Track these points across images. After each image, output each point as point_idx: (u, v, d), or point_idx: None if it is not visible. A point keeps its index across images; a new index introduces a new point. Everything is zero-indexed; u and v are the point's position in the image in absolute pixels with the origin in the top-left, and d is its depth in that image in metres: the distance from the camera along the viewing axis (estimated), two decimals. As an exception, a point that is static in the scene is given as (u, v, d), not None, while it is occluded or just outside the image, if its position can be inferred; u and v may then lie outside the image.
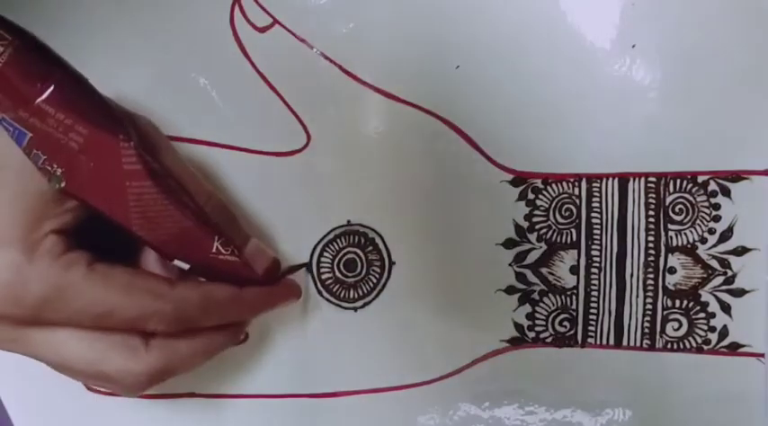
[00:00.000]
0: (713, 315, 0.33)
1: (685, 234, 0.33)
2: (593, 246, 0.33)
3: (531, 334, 0.34)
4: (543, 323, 0.34)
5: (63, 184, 0.25)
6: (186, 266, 0.28)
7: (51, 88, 0.24)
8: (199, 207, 0.28)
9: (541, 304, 0.34)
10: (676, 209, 0.33)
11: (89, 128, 0.25)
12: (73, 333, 0.26)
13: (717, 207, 0.32)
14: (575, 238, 0.33)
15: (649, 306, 0.33)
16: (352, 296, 0.34)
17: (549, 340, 0.34)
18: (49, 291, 0.25)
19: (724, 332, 0.33)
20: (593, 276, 0.33)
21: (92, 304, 0.25)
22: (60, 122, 0.24)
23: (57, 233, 0.25)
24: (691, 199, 0.32)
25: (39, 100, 0.24)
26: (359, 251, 0.34)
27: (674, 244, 0.33)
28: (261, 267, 0.30)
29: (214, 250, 0.28)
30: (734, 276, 0.33)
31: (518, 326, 0.34)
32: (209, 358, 0.29)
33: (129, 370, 0.27)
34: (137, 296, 0.26)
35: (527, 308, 0.34)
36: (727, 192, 0.32)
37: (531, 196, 0.33)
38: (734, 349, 0.33)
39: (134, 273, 0.27)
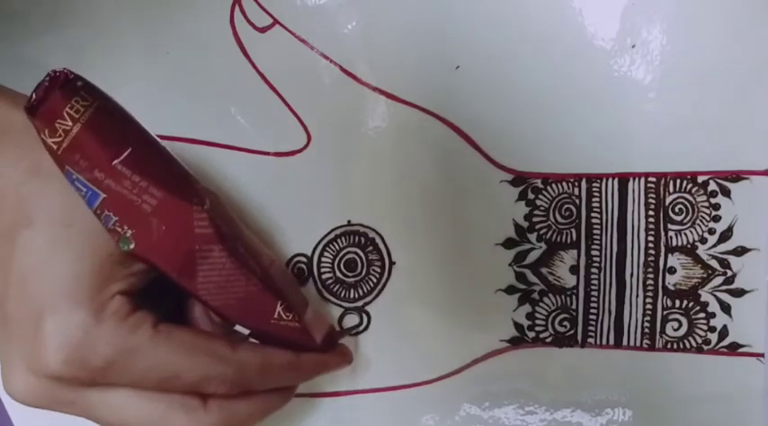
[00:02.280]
0: (713, 315, 0.33)
1: (685, 234, 0.33)
2: (593, 246, 0.33)
3: (531, 334, 0.34)
4: (543, 323, 0.34)
5: (132, 246, 0.25)
6: (247, 331, 0.28)
7: (129, 150, 0.24)
8: (264, 271, 0.28)
9: (541, 304, 0.34)
10: (676, 209, 0.33)
11: (163, 191, 0.25)
12: (132, 394, 0.26)
13: (717, 207, 0.32)
14: (575, 238, 0.33)
15: (649, 306, 0.33)
16: (352, 296, 0.34)
17: (549, 340, 0.34)
18: (116, 354, 0.24)
19: (724, 332, 0.33)
20: (593, 276, 0.33)
21: (156, 367, 0.25)
22: (135, 184, 0.24)
23: (123, 294, 0.25)
24: (691, 199, 0.32)
25: (116, 161, 0.24)
26: (359, 251, 0.34)
27: (674, 244, 0.33)
28: (320, 335, 0.30)
29: (276, 315, 0.28)
30: (734, 276, 0.33)
31: (518, 326, 0.34)
32: (264, 418, 0.29)
33: None
34: (200, 359, 0.26)
35: (527, 308, 0.34)
36: (727, 192, 0.32)
37: (531, 196, 0.33)
38: (734, 349, 0.33)
39: (197, 335, 0.27)
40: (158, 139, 0.26)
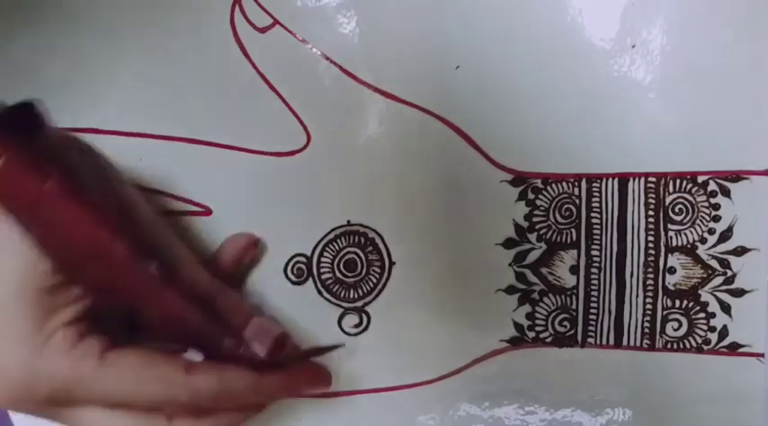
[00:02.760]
0: (713, 315, 0.33)
1: (685, 234, 0.33)
2: (593, 246, 0.33)
3: (531, 334, 0.34)
4: (543, 322, 0.34)
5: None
6: (200, 357, 0.28)
7: (50, 183, 0.24)
8: (211, 300, 0.28)
9: (541, 304, 0.34)
10: (676, 209, 0.33)
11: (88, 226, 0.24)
12: (97, 411, 0.26)
13: (717, 207, 0.32)
14: (575, 238, 0.33)
15: (649, 306, 0.33)
16: (352, 296, 0.34)
17: (549, 340, 0.34)
18: (61, 385, 0.25)
19: (724, 333, 0.33)
20: (593, 276, 0.33)
21: (104, 396, 0.25)
22: (59, 218, 0.24)
23: (70, 324, 0.25)
24: (691, 199, 0.32)
25: (40, 194, 0.24)
26: (359, 251, 0.34)
27: (674, 244, 0.33)
28: (263, 349, 0.29)
29: (225, 346, 0.28)
30: (734, 276, 0.33)
31: (518, 326, 0.34)
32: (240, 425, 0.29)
33: None
34: (149, 386, 0.26)
35: (527, 308, 0.34)
36: (726, 192, 0.32)
37: (531, 196, 0.33)
38: (734, 349, 0.33)
39: (147, 361, 0.26)
40: (80, 173, 0.26)
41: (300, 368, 0.31)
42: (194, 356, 0.28)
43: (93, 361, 0.25)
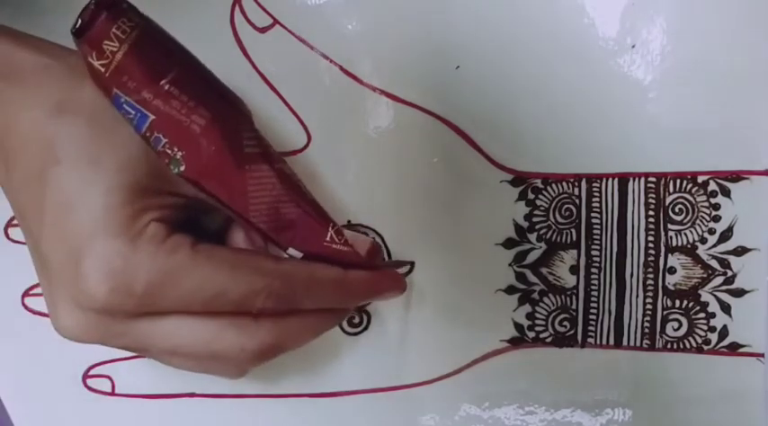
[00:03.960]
0: (713, 315, 0.33)
1: (685, 234, 0.33)
2: (593, 246, 0.33)
3: (531, 334, 0.34)
4: (543, 323, 0.34)
5: (182, 168, 0.24)
6: (300, 255, 0.27)
7: (176, 70, 0.24)
8: (312, 195, 0.27)
9: (541, 304, 0.34)
10: (676, 209, 0.33)
11: (212, 111, 0.24)
12: (182, 319, 0.25)
13: (717, 207, 0.32)
14: (575, 238, 0.33)
15: (649, 306, 0.33)
16: (352, 296, 0.34)
17: (549, 340, 0.34)
18: (158, 276, 0.24)
19: (724, 333, 0.33)
20: (593, 276, 0.33)
21: (201, 286, 0.25)
22: (184, 104, 0.24)
23: (158, 221, 0.25)
24: (691, 199, 0.32)
25: (163, 81, 0.24)
26: (359, 251, 0.34)
27: (674, 244, 0.33)
28: (364, 249, 0.29)
29: (328, 238, 0.27)
30: (734, 276, 0.33)
31: (518, 326, 0.34)
32: (317, 336, 0.29)
33: (242, 347, 0.26)
34: (244, 273, 0.25)
35: (527, 308, 0.34)
36: (727, 192, 0.32)
37: (531, 196, 0.33)
38: (734, 349, 0.33)
39: (238, 251, 0.26)
40: (201, 62, 0.26)
41: (381, 271, 0.30)
42: (295, 253, 0.27)
43: (187, 251, 0.25)
